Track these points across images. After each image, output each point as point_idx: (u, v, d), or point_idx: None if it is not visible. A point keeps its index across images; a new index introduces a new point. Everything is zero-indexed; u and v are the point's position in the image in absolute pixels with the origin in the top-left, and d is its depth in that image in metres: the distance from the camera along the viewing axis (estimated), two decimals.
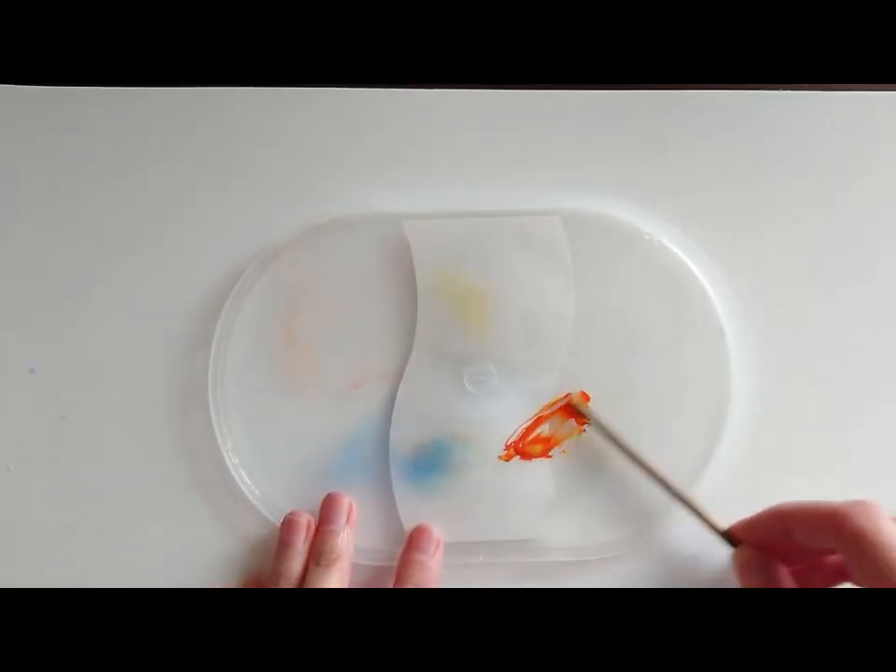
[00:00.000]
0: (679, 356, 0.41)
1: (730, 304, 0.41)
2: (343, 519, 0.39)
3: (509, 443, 0.40)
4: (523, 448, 0.40)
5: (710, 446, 0.40)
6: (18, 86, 0.43)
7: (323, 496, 0.40)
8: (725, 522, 0.38)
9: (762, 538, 0.36)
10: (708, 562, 0.39)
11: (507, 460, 0.40)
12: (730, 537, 0.37)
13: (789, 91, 0.43)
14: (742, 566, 0.36)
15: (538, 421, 0.41)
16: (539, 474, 0.40)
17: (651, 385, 0.41)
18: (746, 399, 0.41)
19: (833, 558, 0.36)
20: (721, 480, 0.40)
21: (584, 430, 0.40)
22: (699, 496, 0.40)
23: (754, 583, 0.36)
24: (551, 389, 0.41)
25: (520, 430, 0.41)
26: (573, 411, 0.40)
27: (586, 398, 0.41)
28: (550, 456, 0.40)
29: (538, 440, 0.40)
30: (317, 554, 0.38)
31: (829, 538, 0.33)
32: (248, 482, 0.41)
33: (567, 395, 0.41)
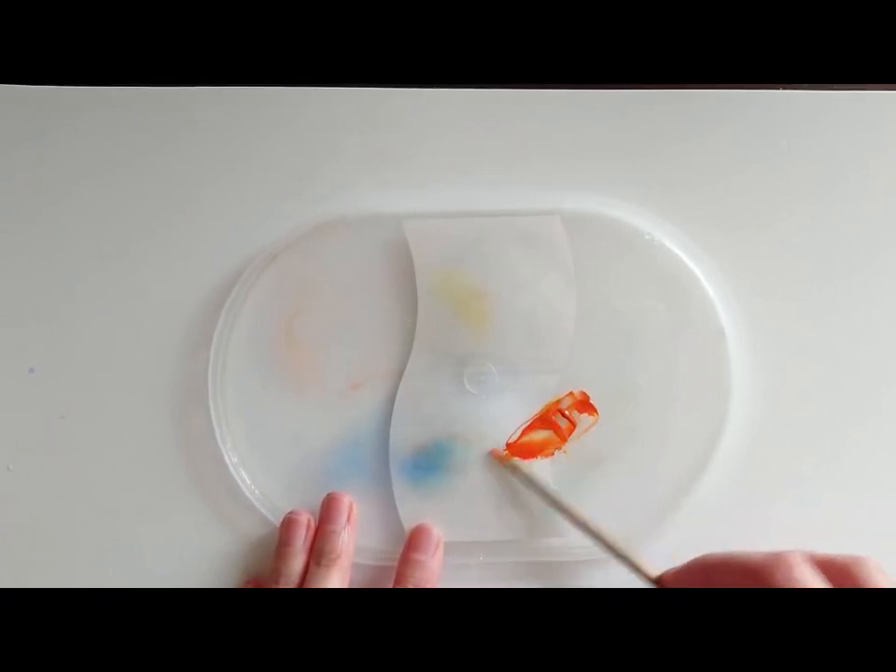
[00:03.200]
0: (680, 356, 0.41)
1: (730, 304, 0.41)
2: (344, 519, 0.39)
3: (508, 443, 0.40)
4: (519, 447, 0.40)
5: (710, 446, 0.40)
6: (18, 86, 0.43)
7: (323, 496, 0.40)
8: (725, 521, 0.38)
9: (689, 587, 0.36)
10: None
11: (507, 460, 0.40)
12: (661, 585, 0.37)
13: (789, 91, 0.43)
14: None
15: (533, 424, 0.41)
16: (538, 474, 0.40)
17: (651, 385, 0.41)
18: (746, 399, 0.41)
19: None
20: (721, 479, 0.40)
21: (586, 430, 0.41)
22: (701, 497, 0.40)
23: None
24: (551, 389, 0.41)
25: (519, 431, 0.41)
26: (585, 405, 0.40)
27: (583, 401, 0.41)
28: (551, 455, 0.40)
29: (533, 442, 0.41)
30: (318, 554, 0.38)
31: None
32: (248, 482, 0.41)
33: (569, 393, 0.41)
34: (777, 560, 0.32)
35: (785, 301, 0.42)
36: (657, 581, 0.37)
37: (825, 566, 0.32)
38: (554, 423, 0.40)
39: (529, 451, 0.40)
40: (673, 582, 0.37)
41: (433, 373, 0.41)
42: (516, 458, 0.40)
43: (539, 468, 0.40)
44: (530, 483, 0.40)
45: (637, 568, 0.37)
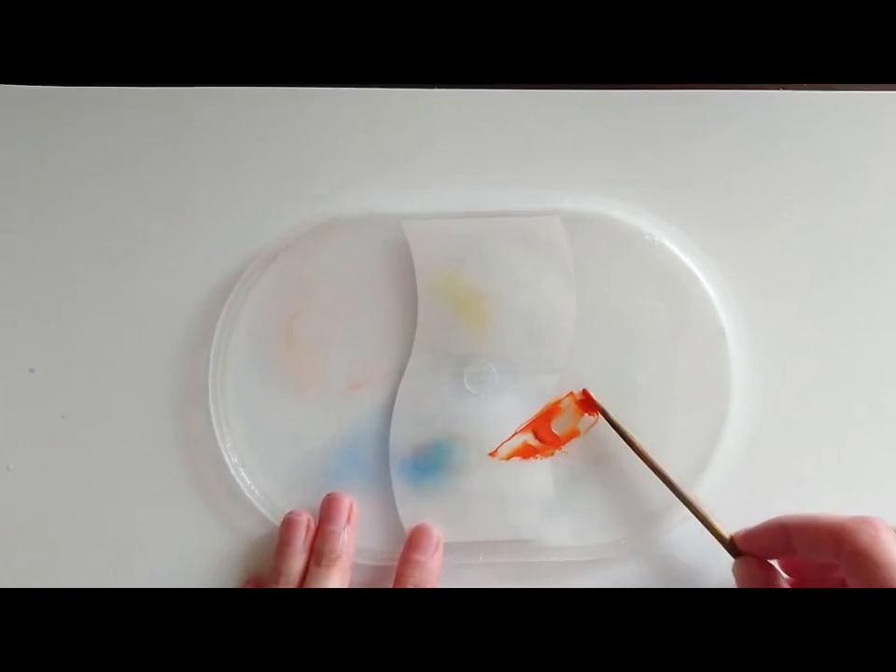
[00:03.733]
0: (680, 355, 0.41)
1: (730, 304, 0.41)
2: (344, 519, 0.39)
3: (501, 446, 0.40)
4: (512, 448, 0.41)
5: (710, 446, 0.40)
6: (18, 86, 0.43)
7: (323, 496, 0.40)
8: (725, 520, 0.38)
9: (763, 549, 0.36)
10: (707, 562, 0.39)
11: (506, 459, 0.40)
12: (732, 546, 0.37)
13: (789, 91, 0.43)
14: (744, 577, 0.36)
15: (535, 422, 0.41)
16: (538, 474, 0.40)
17: (651, 385, 0.41)
18: (746, 399, 0.41)
19: (837, 573, 0.35)
20: (721, 479, 0.40)
21: (590, 426, 0.41)
22: (701, 496, 0.40)
23: None
24: (551, 389, 0.41)
25: (513, 433, 0.41)
26: (587, 405, 0.40)
27: (584, 401, 0.41)
28: (551, 454, 0.40)
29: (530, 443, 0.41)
30: (318, 554, 0.38)
31: (830, 553, 0.33)
32: (248, 482, 0.41)
33: (569, 394, 0.41)
34: (863, 522, 0.32)
35: (785, 301, 0.42)
36: (729, 540, 0.37)
37: None
38: (549, 433, 0.41)
39: (528, 451, 0.40)
40: (747, 542, 0.37)
41: (433, 373, 0.41)
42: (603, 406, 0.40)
43: (538, 467, 0.40)
44: (616, 426, 0.40)
45: (710, 526, 0.38)
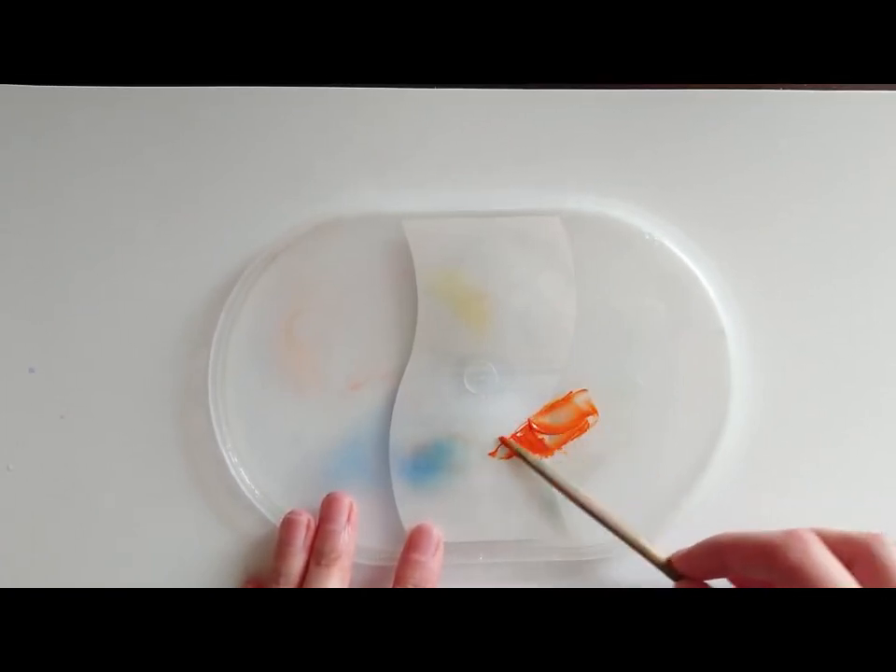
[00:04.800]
0: (680, 355, 0.41)
1: (730, 304, 0.41)
2: (344, 518, 0.39)
3: (515, 435, 0.40)
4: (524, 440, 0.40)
5: (710, 446, 0.40)
6: (18, 86, 0.43)
7: (323, 496, 0.40)
8: (726, 520, 0.38)
9: (700, 570, 0.36)
10: None
11: (506, 459, 0.40)
12: (671, 569, 0.37)
13: (789, 91, 0.43)
14: None
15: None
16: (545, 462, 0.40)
17: (651, 385, 0.41)
18: (746, 399, 0.41)
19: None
20: (721, 479, 0.40)
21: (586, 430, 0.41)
22: (701, 496, 0.40)
23: None
24: (551, 389, 0.41)
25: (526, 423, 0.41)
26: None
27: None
28: (551, 454, 0.41)
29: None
30: (318, 554, 0.38)
31: (763, 571, 0.33)
32: (248, 482, 0.41)
33: (569, 394, 0.41)
34: (792, 537, 0.32)
35: (785, 301, 0.42)
36: (667, 563, 0.37)
37: (841, 542, 0.32)
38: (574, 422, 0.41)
39: (532, 447, 0.40)
40: (683, 564, 0.37)
41: (433, 373, 0.41)
42: (523, 448, 0.40)
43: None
44: (538, 470, 0.40)
45: (644, 552, 0.38)
